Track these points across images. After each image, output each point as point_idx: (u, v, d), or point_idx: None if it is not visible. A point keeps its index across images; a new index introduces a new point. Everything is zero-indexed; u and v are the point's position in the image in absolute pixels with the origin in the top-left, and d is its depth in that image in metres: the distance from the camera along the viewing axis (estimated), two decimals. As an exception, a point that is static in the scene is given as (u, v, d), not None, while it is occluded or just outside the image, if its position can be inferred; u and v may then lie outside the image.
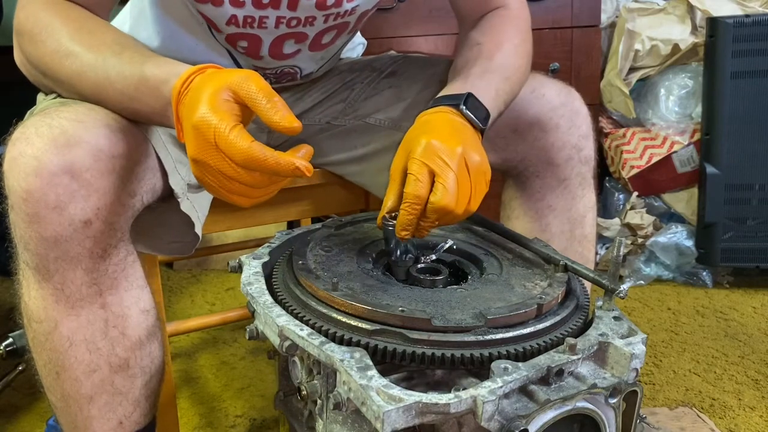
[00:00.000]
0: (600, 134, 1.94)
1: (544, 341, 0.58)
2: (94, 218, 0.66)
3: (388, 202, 0.70)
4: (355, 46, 1.17)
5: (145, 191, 0.74)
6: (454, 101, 0.75)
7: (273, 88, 0.66)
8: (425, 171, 0.67)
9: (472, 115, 0.74)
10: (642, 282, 1.86)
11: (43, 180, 0.63)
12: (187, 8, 0.85)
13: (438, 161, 0.66)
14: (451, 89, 0.79)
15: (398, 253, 0.70)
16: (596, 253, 1.88)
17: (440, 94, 0.79)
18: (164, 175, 0.76)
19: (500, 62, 0.84)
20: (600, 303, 0.65)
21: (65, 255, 0.66)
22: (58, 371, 0.70)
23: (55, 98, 0.78)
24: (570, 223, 0.91)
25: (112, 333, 0.71)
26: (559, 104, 0.88)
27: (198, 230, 0.81)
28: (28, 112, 0.80)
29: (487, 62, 0.83)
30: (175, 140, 0.81)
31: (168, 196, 0.79)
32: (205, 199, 0.86)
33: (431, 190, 0.66)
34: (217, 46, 0.89)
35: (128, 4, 1.02)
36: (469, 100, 0.75)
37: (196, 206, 0.81)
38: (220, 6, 0.81)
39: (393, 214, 0.69)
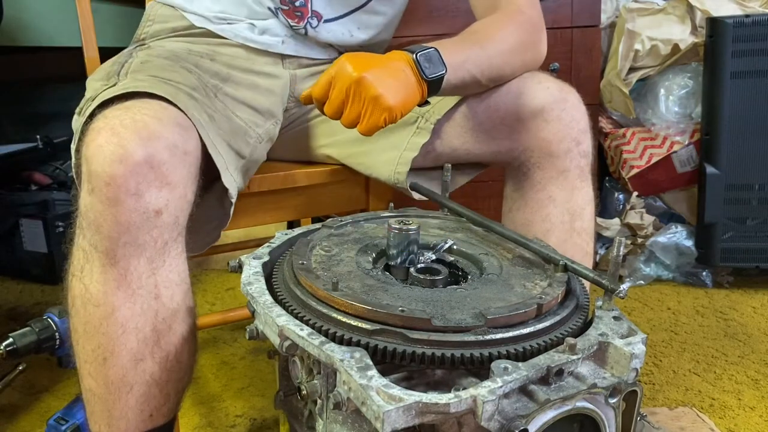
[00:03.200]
0: (600, 134, 1.94)
1: (544, 341, 0.58)
2: (164, 209, 0.70)
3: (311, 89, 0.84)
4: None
5: (199, 192, 0.78)
6: (414, 48, 0.82)
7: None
8: (326, 80, 0.80)
9: (421, 64, 0.80)
10: (642, 282, 1.86)
11: (127, 167, 0.67)
12: None
13: (327, 76, 0.80)
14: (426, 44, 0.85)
15: (399, 261, 0.70)
16: (596, 252, 1.89)
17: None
18: (204, 176, 0.79)
19: (481, 36, 0.89)
20: (600, 303, 0.65)
21: (134, 241, 0.70)
22: (106, 356, 0.72)
23: (112, 86, 0.81)
24: (570, 214, 0.92)
25: (161, 326, 0.73)
26: (561, 98, 0.90)
27: (220, 231, 0.87)
28: (87, 99, 0.86)
29: (467, 34, 0.89)
30: (223, 140, 0.86)
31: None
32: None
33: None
34: None
35: None
36: (428, 52, 0.81)
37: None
38: None
39: (399, 220, 0.71)
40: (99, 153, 0.68)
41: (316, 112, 1.07)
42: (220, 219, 0.86)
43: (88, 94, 0.88)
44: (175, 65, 0.90)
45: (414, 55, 0.80)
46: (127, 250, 0.70)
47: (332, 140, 1.04)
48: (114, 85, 0.81)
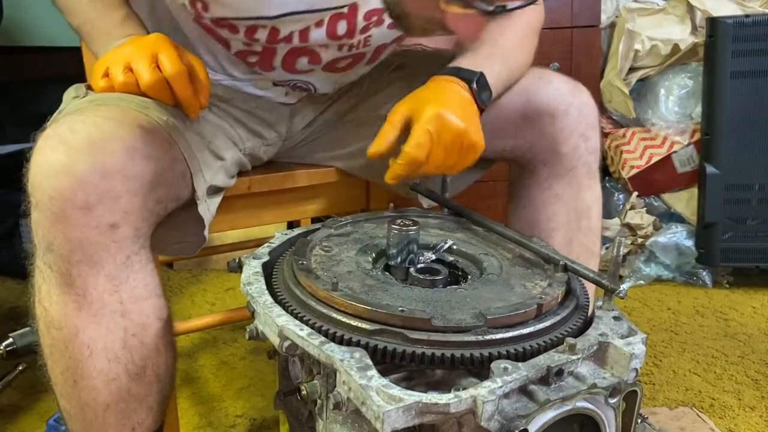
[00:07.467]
0: (600, 134, 1.94)
1: (544, 341, 0.58)
2: (121, 222, 0.65)
3: (381, 145, 0.77)
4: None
5: (171, 198, 0.73)
6: (468, 76, 0.81)
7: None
8: (428, 138, 0.74)
9: (479, 95, 0.81)
10: (642, 282, 1.86)
11: (73, 179, 0.62)
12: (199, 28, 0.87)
13: (441, 135, 0.74)
14: (463, 64, 0.84)
15: (399, 261, 0.70)
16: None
17: (453, 64, 0.84)
18: (189, 180, 0.76)
19: (503, 48, 0.88)
20: (600, 303, 0.65)
21: (89, 259, 0.64)
22: (76, 379, 0.69)
23: (84, 97, 0.78)
24: (576, 213, 0.91)
25: (132, 342, 0.69)
26: (568, 92, 0.89)
27: (206, 233, 0.81)
28: (57, 111, 0.80)
29: (491, 47, 0.87)
30: (201, 141, 0.83)
31: (185, 200, 0.78)
32: (214, 203, 0.87)
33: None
34: (229, 56, 0.91)
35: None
36: (481, 79, 0.81)
37: (209, 209, 0.82)
38: (236, 33, 0.83)
39: (399, 220, 0.71)
40: (43, 163, 0.63)
41: (315, 135, 1.04)
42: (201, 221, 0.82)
43: (61, 107, 0.83)
44: None
45: (473, 86, 0.81)
46: (82, 269, 0.64)
47: (333, 153, 1.03)
48: (82, 96, 0.78)
